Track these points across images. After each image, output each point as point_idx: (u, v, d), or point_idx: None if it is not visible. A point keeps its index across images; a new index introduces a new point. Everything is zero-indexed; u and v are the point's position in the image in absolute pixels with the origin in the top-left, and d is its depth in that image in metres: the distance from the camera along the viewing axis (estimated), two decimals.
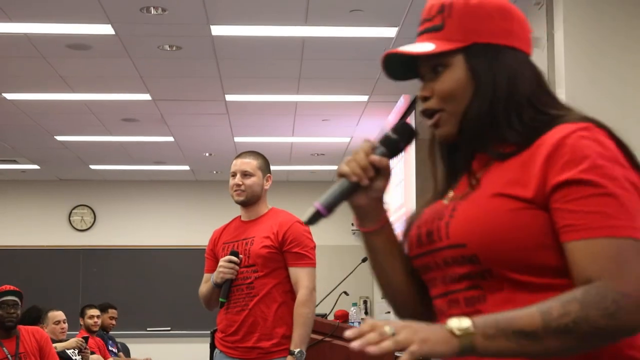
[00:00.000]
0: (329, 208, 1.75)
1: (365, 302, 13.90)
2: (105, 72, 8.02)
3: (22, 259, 13.68)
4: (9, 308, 6.68)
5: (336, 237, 13.45)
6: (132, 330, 12.26)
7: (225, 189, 15.49)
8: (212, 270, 4.42)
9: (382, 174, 1.79)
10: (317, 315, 4.79)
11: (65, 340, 8.26)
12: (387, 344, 1.44)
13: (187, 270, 13.79)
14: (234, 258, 4.27)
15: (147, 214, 14.10)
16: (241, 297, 4.30)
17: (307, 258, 4.34)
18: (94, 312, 9.33)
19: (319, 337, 5.00)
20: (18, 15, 6.50)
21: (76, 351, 8.04)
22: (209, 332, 13.30)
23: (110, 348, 9.43)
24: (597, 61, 5.03)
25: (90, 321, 9.24)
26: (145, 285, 13.75)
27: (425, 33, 1.80)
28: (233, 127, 10.20)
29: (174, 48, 7.25)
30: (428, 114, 1.80)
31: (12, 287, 6.79)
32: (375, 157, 1.77)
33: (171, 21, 6.60)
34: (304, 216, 1.77)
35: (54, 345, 7.69)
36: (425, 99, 1.79)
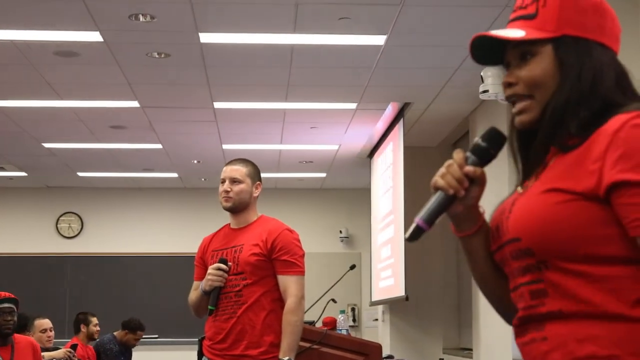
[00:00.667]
0: (430, 222, 1.77)
1: (353, 309, 13.91)
2: (94, 80, 8.01)
3: (8, 267, 13.59)
4: (6, 315, 6.63)
5: (325, 245, 13.49)
6: None
7: (213, 196, 15.48)
8: (202, 277, 4.40)
9: (476, 182, 1.80)
10: (305, 322, 4.78)
11: (52, 349, 8.23)
12: None
13: (175, 278, 13.78)
14: (222, 266, 4.26)
15: (135, 221, 14.06)
16: (229, 304, 4.27)
17: (295, 266, 4.33)
18: (96, 320, 9.35)
19: (307, 345, 5.00)
20: (5, 22, 6.49)
21: None
22: (198, 339, 13.15)
23: None
24: None
25: (94, 329, 9.25)
26: (133, 293, 13.71)
27: (518, 20, 1.80)
28: (221, 134, 10.20)
29: (163, 55, 7.25)
30: (512, 100, 1.81)
31: (8, 294, 6.75)
32: (469, 168, 1.78)
33: (160, 29, 6.59)
34: (406, 233, 1.79)
35: (41, 354, 7.67)
36: (509, 84, 1.80)
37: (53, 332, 8.54)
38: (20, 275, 13.49)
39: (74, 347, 8.36)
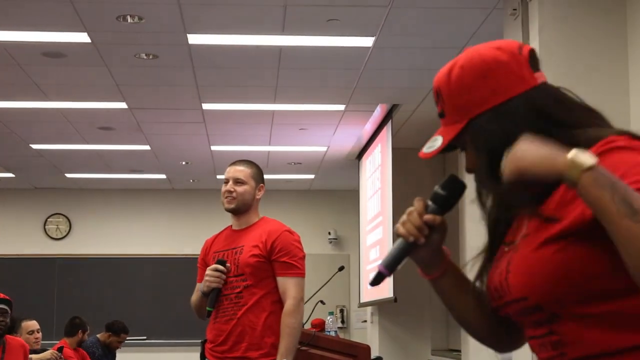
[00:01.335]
0: (390, 268, 1.81)
1: (341, 310, 13.93)
2: (81, 80, 7.99)
3: None
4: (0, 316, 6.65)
5: (313, 246, 13.46)
6: None
7: (202, 197, 15.49)
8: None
9: (437, 229, 1.82)
10: None
11: (40, 350, 8.22)
12: None
13: (163, 278, 13.81)
14: (220, 267, 4.22)
15: (123, 222, 14.05)
16: (230, 306, 4.23)
17: (295, 268, 4.30)
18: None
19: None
20: None
21: None
22: (186, 340, 13.25)
23: None
24: (569, 70, 5.06)
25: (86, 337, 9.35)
26: (121, 294, 13.71)
27: (441, 119, 1.84)
28: (210, 135, 10.20)
29: (151, 57, 7.24)
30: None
31: (1, 295, 6.74)
32: (428, 217, 1.80)
33: (148, 30, 6.59)
34: (370, 279, 1.83)
35: (30, 356, 7.66)
36: (469, 170, 1.83)
37: (40, 333, 8.53)
38: (8, 277, 13.42)
39: (60, 349, 8.35)
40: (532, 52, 1.83)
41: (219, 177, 12.85)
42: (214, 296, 4.23)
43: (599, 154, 1.58)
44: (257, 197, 4.40)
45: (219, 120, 9.49)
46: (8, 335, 6.92)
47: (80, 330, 9.18)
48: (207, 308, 4.26)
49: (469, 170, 1.82)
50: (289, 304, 4.24)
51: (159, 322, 13.63)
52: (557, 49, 5.08)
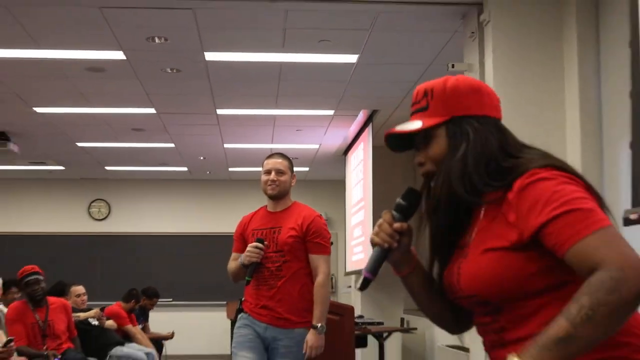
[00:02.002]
0: (373, 273, 1.82)
1: (331, 278, 13.87)
2: (118, 90, 7.95)
3: (50, 243, 13.57)
4: (34, 285, 6.66)
5: None
6: None
7: (216, 186, 15.41)
8: (240, 250, 4.31)
9: (405, 234, 1.83)
10: None
11: (86, 309, 8.24)
12: None
13: (184, 251, 13.81)
14: (260, 245, 4.16)
15: (152, 206, 14.03)
16: (271, 277, 4.19)
17: (325, 248, 4.28)
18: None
19: None
20: (46, 44, 6.43)
21: (95, 319, 8.02)
22: (204, 302, 13.16)
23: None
24: (515, 81, 5.04)
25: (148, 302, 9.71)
26: (151, 264, 13.69)
27: (416, 113, 1.82)
28: (223, 135, 10.16)
29: (174, 70, 7.20)
30: (427, 176, 1.83)
31: (34, 268, 6.75)
32: (397, 225, 1.81)
33: (172, 48, 6.55)
34: (358, 284, 1.85)
35: (77, 314, 7.67)
36: (420, 164, 1.82)
37: (86, 296, 8.53)
38: (59, 251, 13.49)
39: (102, 308, 8.35)
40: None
41: (230, 169, 12.82)
42: (252, 268, 4.18)
43: (526, 185, 1.63)
44: (292, 184, 4.35)
45: (230, 123, 9.45)
46: (50, 297, 6.92)
47: (133, 300, 9.21)
48: (247, 278, 4.20)
49: (421, 164, 1.81)
50: (320, 277, 4.22)
51: (182, 287, 13.62)
52: (508, 65, 5.06)
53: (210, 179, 13.77)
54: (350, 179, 10.92)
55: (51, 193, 13.86)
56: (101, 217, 14.01)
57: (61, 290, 7.99)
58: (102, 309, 8.36)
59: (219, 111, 8.83)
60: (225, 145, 10.85)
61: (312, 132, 10.00)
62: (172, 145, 10.82)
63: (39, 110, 8.74)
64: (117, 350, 7.99)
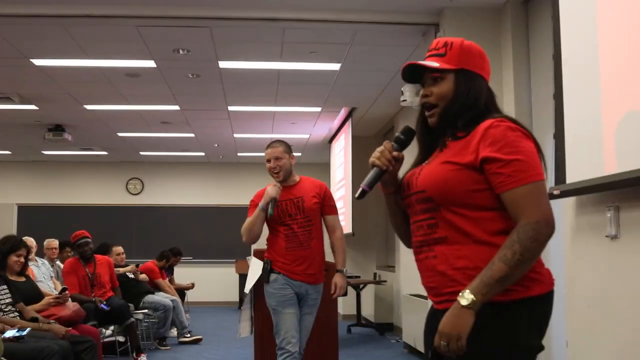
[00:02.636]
0: (370, 186, 1.82)
1: None
2: (150, 91, 7.94)
3: (96, 213, 13.56)
4: (84, 246, 6.68)
5: None
6: None
7: (227, 168, 15.30)
8: None
9: (398, 161, 1.85)
10: None
11: (124, 265, 8.26)
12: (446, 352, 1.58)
13: (201, 220, 13.81)
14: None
15: (176, 183, 13.99)
16: (305, 239, 4.00)
17: (336, 209, 4.22)
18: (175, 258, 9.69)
19: None
20: (93, 54, 6.43)
21: (131, 273, 8.04)
22: (219, 260, 13.02)
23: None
24: None
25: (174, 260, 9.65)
26: (175, 229, 13.68)
27: (432, 56, 1.84)
28: (233, 127, 10.16)
29: (195, 76, 7.21)
30: (427, 107, 1.84)
31: (84, 233, 6.77)
32: (395, 153, 1.84)
33: (193, 58, 6.56)
34: (355, 194, 1.84)
35: (117, 269, 7.70)
36: (425, 96, 1.83)
37: (124, 255, 8.55)
38: (103, 219, 13.46)
39: (137, 265, 8.37)
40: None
41: (239, 154, 12.83)
42: (273, 204, 3.91)
43: (495, 125, 1.67)
44: (292, 163, 4.10)
45: (239, 118, 9.45)
46: (96, 254, 6.95)
47: (164, 260, 9.21)
48: (270, 212, 3.92)
49: (426, 96, 1.83)
50: (339, 232, 4.14)
51: (200, 248, 13.64)
52: None
53: (223, 162, 13.77)
54: (334, 162, 10.95)
55: (97, 173, 13.82)
56: (136, 192, 13.98)
57: (105, 249, 8.02)
58: (137, 265, 8.39)
59: (230, 108, 8.84)
60: (235, 135, 10.85)
61: (304, 124, 10.01)
62: (193, 135, 10.82)
63: (88, 107, 8.72)
64: (149, 297, 8.04)
